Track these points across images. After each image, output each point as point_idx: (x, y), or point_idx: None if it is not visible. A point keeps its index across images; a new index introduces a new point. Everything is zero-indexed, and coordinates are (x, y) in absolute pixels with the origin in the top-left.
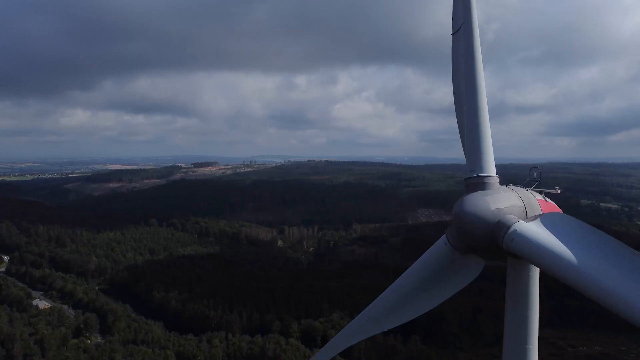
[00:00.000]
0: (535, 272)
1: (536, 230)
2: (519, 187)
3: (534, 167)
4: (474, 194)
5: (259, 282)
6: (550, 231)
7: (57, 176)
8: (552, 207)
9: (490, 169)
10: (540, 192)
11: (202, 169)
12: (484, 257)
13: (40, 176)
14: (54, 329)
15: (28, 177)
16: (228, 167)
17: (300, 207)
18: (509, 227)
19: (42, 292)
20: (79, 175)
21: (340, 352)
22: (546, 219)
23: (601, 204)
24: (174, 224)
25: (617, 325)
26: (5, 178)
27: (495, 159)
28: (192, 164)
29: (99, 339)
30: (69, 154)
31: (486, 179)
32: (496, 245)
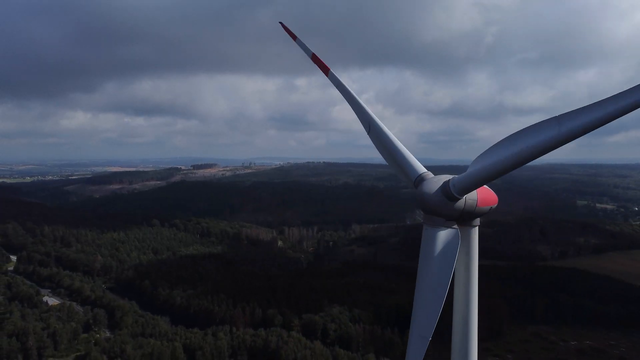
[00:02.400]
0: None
1: (440, 239)
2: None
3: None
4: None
5: (261, 280)
6: (448, 243)
7: (57, 178)
8: (487, 190)
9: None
10: None
11: (201, 170)
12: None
13: (40, 178)
14: (64, 324)
15: (28, 179)
16: (227, 168)
17: (299, 208)
18: (432, 225)
19: (50, 290)
20: (79, 177)
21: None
22: (452, 235)
23: (597, 205)
24: (176, 225)
25: (609, 322)
26: (5, 180)
27: None
28: (191, 166)
29: (108, 334)
30: (68, 156)
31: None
32: None
